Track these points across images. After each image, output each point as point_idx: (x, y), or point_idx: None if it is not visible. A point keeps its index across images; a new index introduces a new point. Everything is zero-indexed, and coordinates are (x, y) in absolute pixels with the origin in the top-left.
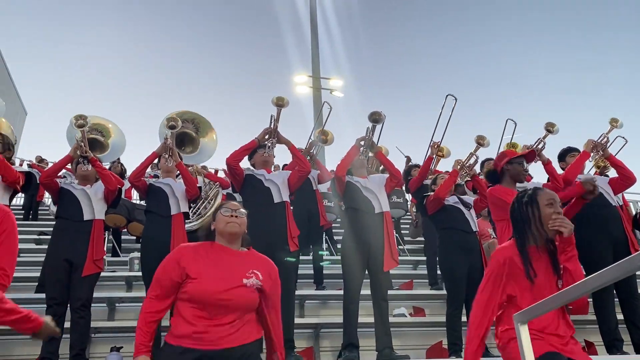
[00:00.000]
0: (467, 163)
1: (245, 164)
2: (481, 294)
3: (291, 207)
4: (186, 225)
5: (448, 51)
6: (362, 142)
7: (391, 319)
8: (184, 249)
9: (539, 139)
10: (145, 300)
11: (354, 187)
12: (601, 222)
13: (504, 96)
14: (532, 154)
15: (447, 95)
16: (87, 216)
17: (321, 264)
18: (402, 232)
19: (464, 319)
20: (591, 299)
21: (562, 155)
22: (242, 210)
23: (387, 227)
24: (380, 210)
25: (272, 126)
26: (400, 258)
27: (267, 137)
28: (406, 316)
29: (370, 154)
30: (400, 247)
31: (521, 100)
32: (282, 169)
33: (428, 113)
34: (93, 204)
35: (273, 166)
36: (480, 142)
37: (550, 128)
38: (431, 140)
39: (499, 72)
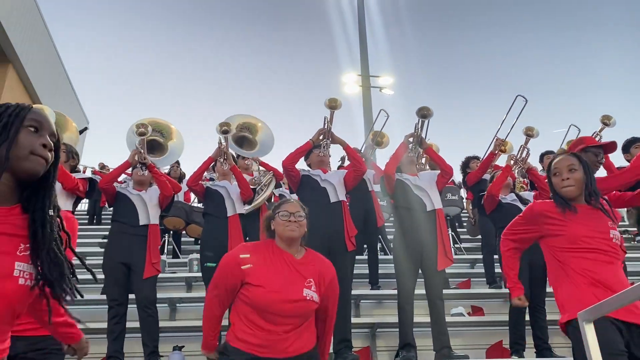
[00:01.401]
0: (519, 157)
1: (301, 164)
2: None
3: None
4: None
5: (502, 46)
6: (411, 139)
7: (449, 319)
8: (244, 249)
9: (595, 132)
10: (207, 299)
11: (404, 185)
12: None
13: (557, 90)
14: (613, 146)
15: (516, 96)
16: (142, 221)
17: None
18: (457, 230)
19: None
20: None
21: (627, 147)
22: (301, 213)
23: (439, 225)
24: (432, 207)
25: (325, 127)
26: (457, 257)
27: (321, 137)
28: (464, 315)
29: (420, 151)
30: (456, 245)
31: (574, 94)
32: (338, 169)
33: (483, 110)
34: (148, 209)
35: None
36: (530, 133)
37: (606, 121)
38: (494, 137)
39: (553, 65)
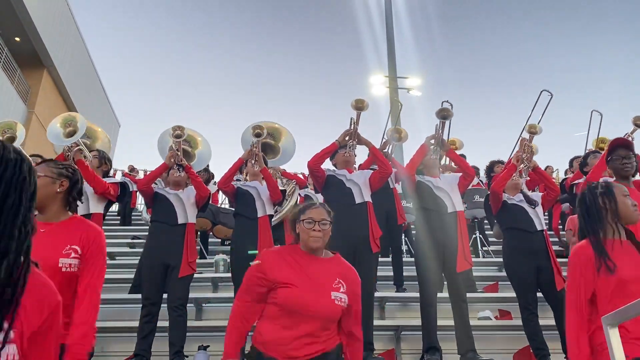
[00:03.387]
0: (525, 156)
1: (327, 164)
2: (569, 294)
3: None
4: None
5: (532, 46)
6: (432, 141)
7: (476, 322)
8: (268, 257)
9: (626, 134)
10: (235, 306)
11: (425, 187)
12: None
13: (589, 92)
14: (620, 141)
15: (541, 91)
16: (180, 220)
17: None
18: (486, 232)
19: (548, 322)
20: None
21: None
22: (326, 220)
23: (460, 227)
24: (454, 209)
25: (352, 128)
26: (484, 259)
27: (347, 139)
28: (491, 319)
29: (442, 152)
30: (484, 248)
31: (607, 96)
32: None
33: (510, 109)
34: (186, 208)
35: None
36: (533, 131)
37: (639, 122)
38: (520, 135)
39: (583, 67)
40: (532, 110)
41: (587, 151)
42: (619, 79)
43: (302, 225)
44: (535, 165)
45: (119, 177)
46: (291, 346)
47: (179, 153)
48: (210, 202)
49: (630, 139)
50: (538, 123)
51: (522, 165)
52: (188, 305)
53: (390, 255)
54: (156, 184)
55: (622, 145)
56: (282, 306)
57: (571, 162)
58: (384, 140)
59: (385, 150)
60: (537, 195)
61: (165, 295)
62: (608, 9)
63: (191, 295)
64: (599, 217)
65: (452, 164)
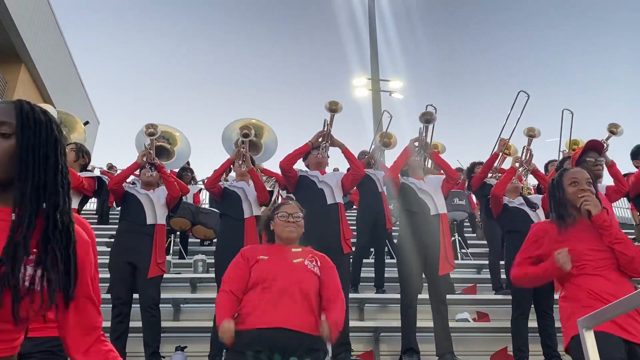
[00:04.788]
0: (524, 159)
1: (299, 165)
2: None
3: (354, 207)
4: None
5: (512, 50)
6: (416, 143)
7: (454, 324)
8: (248, 248)
9: (601, 141)
10: (220, 292)
11: (409, 189)
12: None
13: (570, 96)
14: (594, 144)
15: (519, 92)
16: (149, 220)
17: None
18: (464, 235)
19: (532, 324)
20: None
21: (636, 154)
22: (299, 214)
23: (443, 229)
24: (437, 212)
25: (325, 129)
26: (463, 262)
27: (320, 140)
28: (469, 321)
29: (426, 155)
30: (463, 250)
31: (587, 101)
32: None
33: (491, 112)
34: (156, 208)
35: (333, 168)
36: (531, 134)
37: (613, 129)
38: (499, 136)
39: (564, 71)
40: (510, 111)
41: (561, 153)
42: (599, 82)
43: (276, 219)
44: (534, 168)
45: (96, 173)
46: (273, 314)
47: (151, 152)
48: (192, 202)
49: (605, 145)
50: (516, 124)
51: (521, 169)
52: (166, 305)
53: (373, 257)
54: (135, 183)
55: (594, 148)
56: (257, 280)
57: (546, 166)
58: (372, 147)
59: (376, 156)
60: (537, 198)
61: (136, 295)
62: (592, 13)
63: (169, 295)
64: (555, 206)
65: (433, 167)
